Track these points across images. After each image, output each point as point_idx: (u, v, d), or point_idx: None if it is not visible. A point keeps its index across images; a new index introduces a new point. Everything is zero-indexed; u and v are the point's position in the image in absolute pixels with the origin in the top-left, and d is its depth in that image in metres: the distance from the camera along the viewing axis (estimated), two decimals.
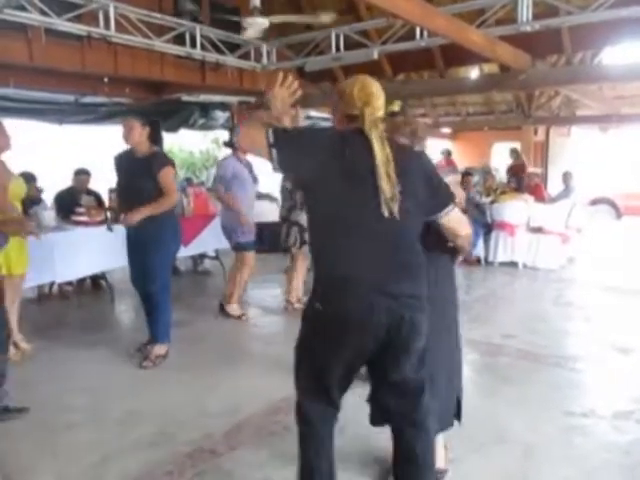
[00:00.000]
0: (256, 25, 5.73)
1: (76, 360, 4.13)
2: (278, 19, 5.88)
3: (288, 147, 1.98)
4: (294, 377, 2.21)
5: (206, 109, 9.02)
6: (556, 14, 5.59)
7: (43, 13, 4.91)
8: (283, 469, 2.60)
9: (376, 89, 2.10)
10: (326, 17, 6.48)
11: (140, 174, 3.89)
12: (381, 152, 1.95)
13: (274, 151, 1.95)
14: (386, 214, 1.92)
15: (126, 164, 4.01)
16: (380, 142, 1.97)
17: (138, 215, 3.79)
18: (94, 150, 11.15)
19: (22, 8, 4.75)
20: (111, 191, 6.36)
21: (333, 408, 2.19)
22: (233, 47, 6.96)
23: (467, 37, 5.31)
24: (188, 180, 8.95)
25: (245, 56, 7.15)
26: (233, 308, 5.15)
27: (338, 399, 2.17)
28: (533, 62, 6.61)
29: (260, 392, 3.47)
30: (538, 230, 7.50)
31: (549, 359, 4.16)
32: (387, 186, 1.92)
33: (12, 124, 4.10)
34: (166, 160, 4.03)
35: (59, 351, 4.25)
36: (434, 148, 14.99)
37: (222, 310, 5.16)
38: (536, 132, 12.96)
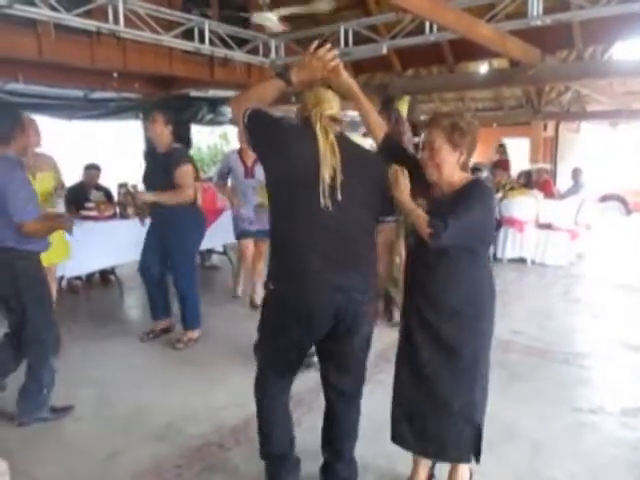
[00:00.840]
0: (268, 21, 5.72)
1: (85, 354, 4.16)
2: (284, 12, 5.84)
3: (255, 131, 2.13)
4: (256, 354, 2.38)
5: (214, 104, 9.02)
6: (567, 8, 5.54)
7: (53, 8, 4.93)
8: None
9: (326, 95, 2.20)
10: (324, 5, 6.38)
11: (159, 169, 4.08)
12: (324, 142, 2.05)
13: (246, 132, 2.15)
14: (323, 203, 2.01)
15: (150, 159, 4.29)
16: (324, 134, 2.07)
17: (148, 197, 4.06)
18: (103, 145, 11.20)
19: (32, 3, 4.76)
20: (120, 186, 6.37)
21: (285, 381, 2.38)
22: (241, 42, 6.95)
23: (477, 31, 5.27)
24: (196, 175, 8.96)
25: (253, 51, 7.14)
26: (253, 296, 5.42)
27: (290, 375, 2.37)
28: (543, 57, 6.55)
29: None
30: (547, 226, 7.47)
31: (557, 355, 4.15)
32: (327, 176, 2.01)
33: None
34: (184, 158, 4.14)
35: (68, 345, 4.25)
36: None
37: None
38: (545, 128, 12.85)
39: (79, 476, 2.63)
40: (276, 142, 2.10)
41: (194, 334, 4.35)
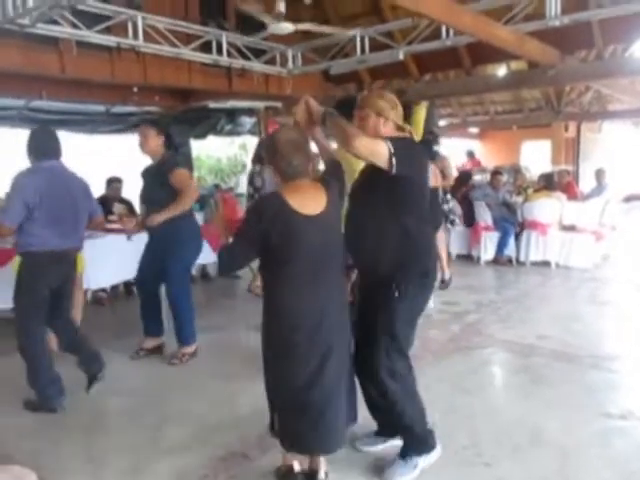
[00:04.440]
0: (280, 29, 5.75)
1: (110, 365, 4.17)
2: (305, 27, 5.87)
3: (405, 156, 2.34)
4: None
5: (233, 115, 9.11)
6: (586, 7, 5.47)
7: (74, 26, 5.03)
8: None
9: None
10: (352, 32, 6.50)
11: (155, 182, 3.96)
12: None
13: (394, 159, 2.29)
14: None
15: (147, 175, 4.11)
16: None
17: (159, 217, 3.83)
18: (122, 159, 11.35)
19: (54, 22, 4.87)
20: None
21: None
22: (259, 53, 7.01)
23: (495, 34, 5.24)
24: (217, 186, 9.03)
25: (271, 61, 7.19)
26: None
27: None
28: (562, 57, 6.48)
29: None
30: (571, 228, 7.36)
31: (585, 360, 4.07)
32: None
33: None
34: (175, 162, 4.04)
35: None
36: (459, 148, 14.81)
37: None
38: (567, 129, 12.71)
39: None
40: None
41: (189, 349, 4.21)
